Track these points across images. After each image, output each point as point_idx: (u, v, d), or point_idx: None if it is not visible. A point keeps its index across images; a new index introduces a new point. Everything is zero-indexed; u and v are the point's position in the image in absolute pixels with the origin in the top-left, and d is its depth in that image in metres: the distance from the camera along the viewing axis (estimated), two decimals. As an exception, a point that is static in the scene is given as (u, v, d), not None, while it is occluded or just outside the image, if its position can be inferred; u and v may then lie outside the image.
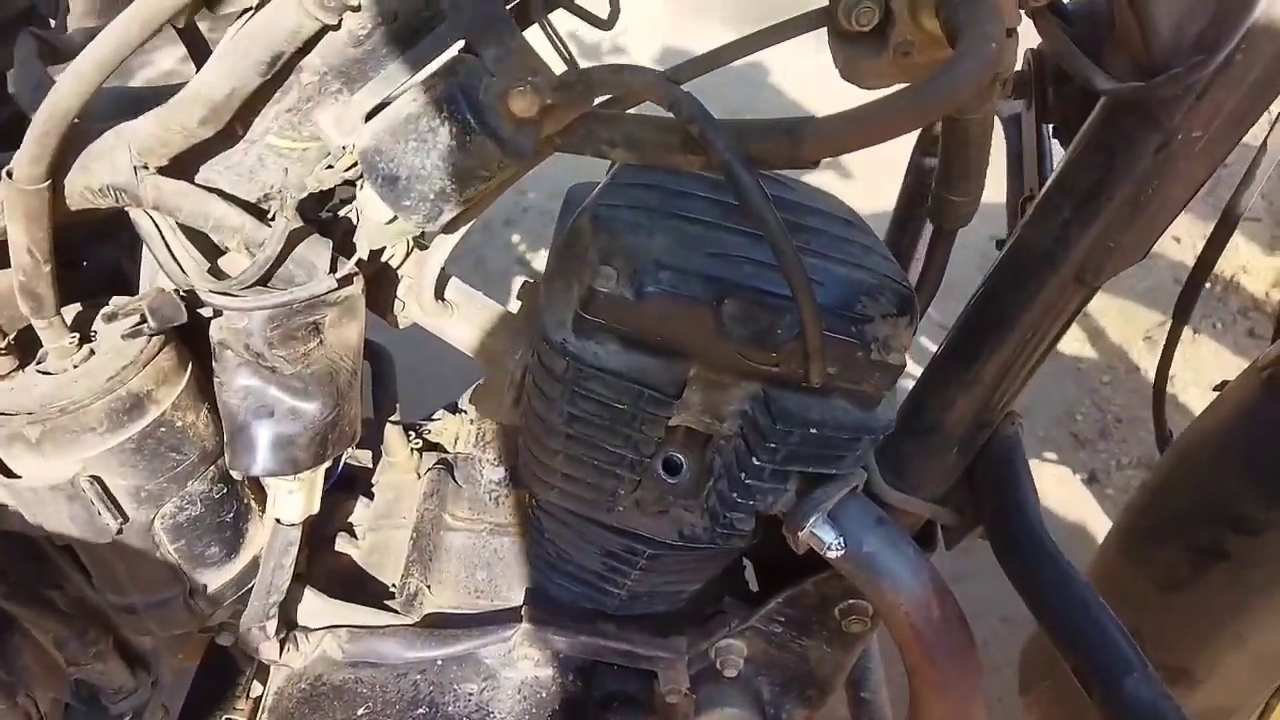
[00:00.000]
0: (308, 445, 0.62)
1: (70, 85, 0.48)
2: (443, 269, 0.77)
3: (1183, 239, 2.10)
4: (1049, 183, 0.65)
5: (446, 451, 0.94)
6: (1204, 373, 1.93)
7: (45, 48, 0.57)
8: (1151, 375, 0.95)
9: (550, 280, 0.69)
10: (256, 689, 0.83)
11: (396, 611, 0.80)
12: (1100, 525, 1.70)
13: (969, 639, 0.72)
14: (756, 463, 0.68)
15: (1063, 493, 1.75)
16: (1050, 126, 0.75)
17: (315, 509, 0.69)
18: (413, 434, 0.93)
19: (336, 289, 0.60)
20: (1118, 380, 1.94)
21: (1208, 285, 2.15)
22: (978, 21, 0.50)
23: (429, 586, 0.82)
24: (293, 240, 0.58)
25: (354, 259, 0.60)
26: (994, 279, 0.71)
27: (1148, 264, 2.24)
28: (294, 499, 0.66)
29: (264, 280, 0.59)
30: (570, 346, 0.64)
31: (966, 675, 0.72)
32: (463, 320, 0.77)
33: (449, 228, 0.67)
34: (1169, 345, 0.96)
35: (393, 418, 0.90)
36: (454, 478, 0.90)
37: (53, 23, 0.62)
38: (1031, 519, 0.72)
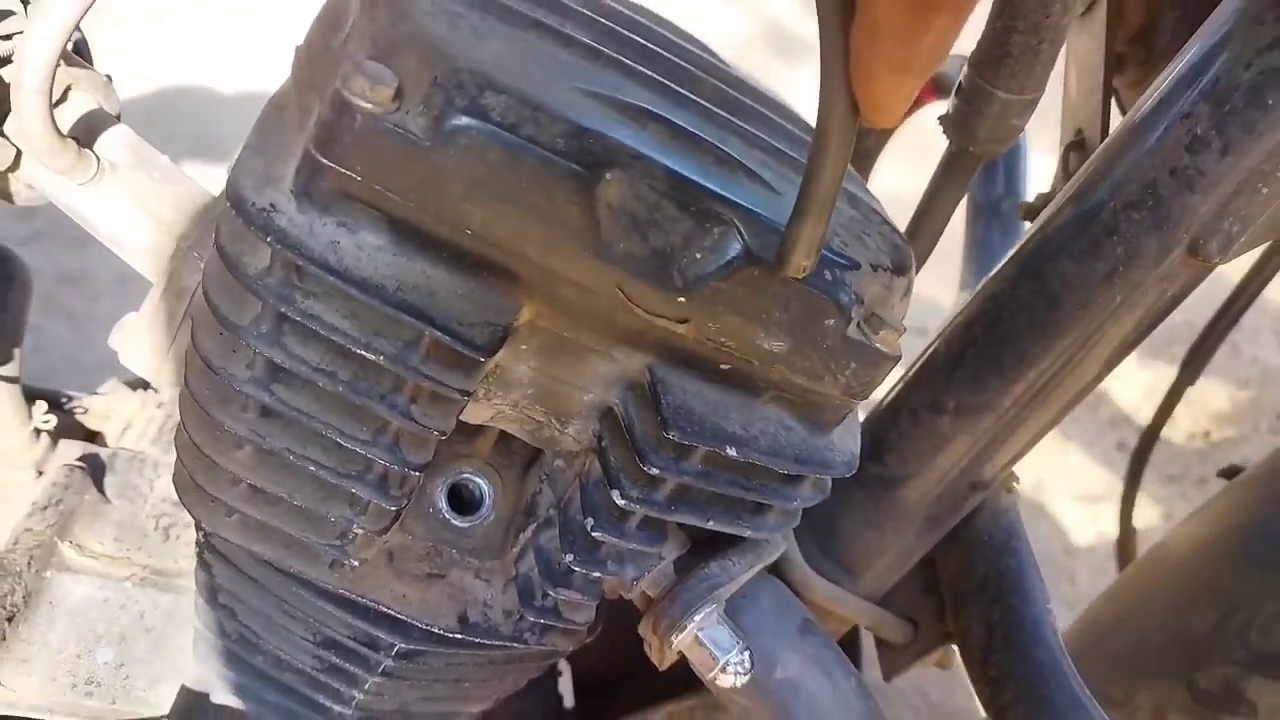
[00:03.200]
0: None
1: None
2: (102, 109, 0.43)
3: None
4: (1149, 103, 0.38)
5: (102, 444, 0.58)
6: (1071, 481, 1.79)
7: None
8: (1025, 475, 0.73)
9: (277, 108, 0.36)
10: None
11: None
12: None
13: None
14: (619, 501, 0.36)
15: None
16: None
17: None
18: (44, 406, 0.56)
19: None
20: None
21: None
22: None
23: (-8, 669, 0.45)
24: None
25: None
26: (1028, 251, 0.44)
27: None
28: None
29: None
30: (282, 222, 0.32)
31: None
32: (121, 192, 0.43)
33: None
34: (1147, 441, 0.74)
35: (5, 370, 0.53)
36: (100, 485, 0.54)
37: None
38: (1048, 639, 0.44)
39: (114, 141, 0.44)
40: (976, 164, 0.44)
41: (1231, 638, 0.58)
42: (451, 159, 0.31)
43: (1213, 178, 0.37)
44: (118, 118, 0.46)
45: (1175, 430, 1.89)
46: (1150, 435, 0.74)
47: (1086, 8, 0.48)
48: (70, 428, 0.59)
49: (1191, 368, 0.70)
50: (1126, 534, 0.75)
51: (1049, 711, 0.42)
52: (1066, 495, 1.75)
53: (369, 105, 0.30)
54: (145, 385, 0.63)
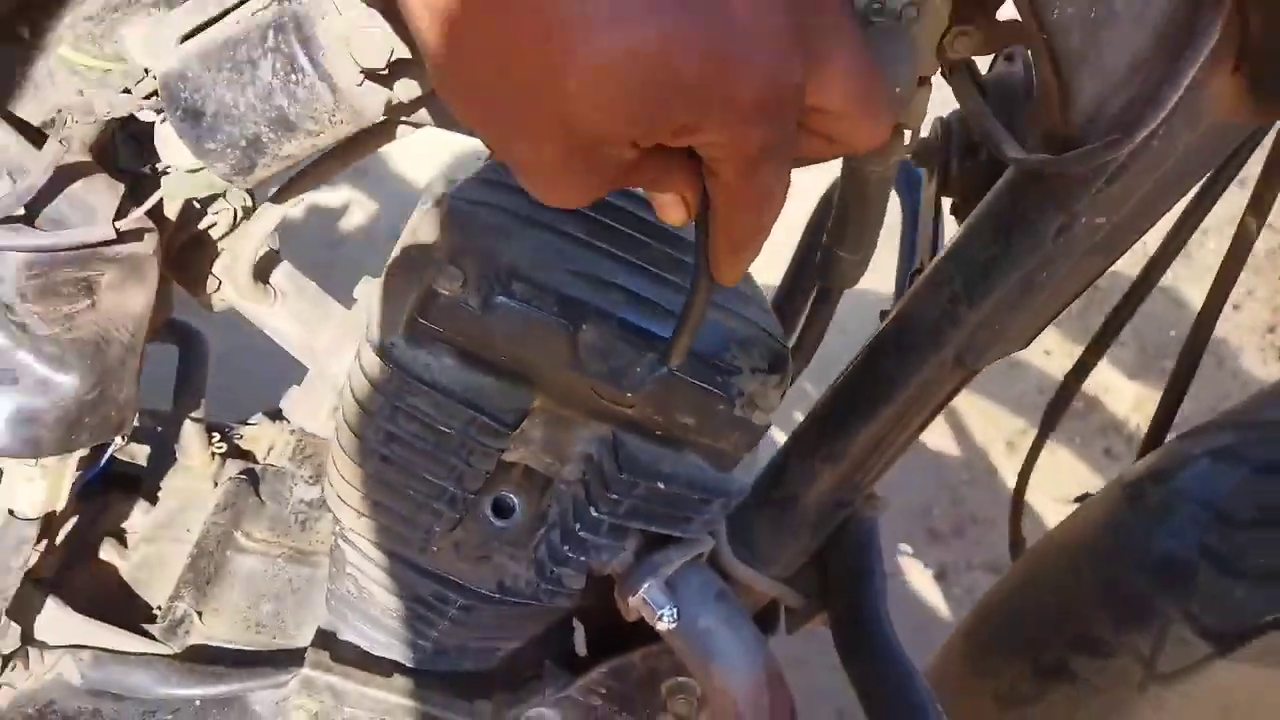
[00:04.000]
0: (55, 425, 0.51)
1: None
2: (273, 250, 0.68)
3: (1053, 352, 2.16)
4: (940, 255, 0.61)
5: (255, 461, 0.83)
6: (1060, 485, 1.96)
7: None
8: (1009, 479, 0.95)
9: (390, 276, 0.60)
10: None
11: (156, 638, 0.68)
12: (943, 622, 1.68)
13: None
14: (595, 514, 0.60)
15: (910, 586, 1.74)
16: (950, 202, 0.71)
17: (59, 504, 0.57)
18: (216, 436, 0.81)
19: (119, 242, 0.49)
20: (976, 480, 1.95)
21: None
22: (892, 57, 0.45)
23: (200, 614, 0.71)
24: (70, 175, 0.48)
25: (144, 208, 0.50)
26: (873, 350, 0.66)
27: (1015, 371, 2.30)
28: (32, 488, 0.54)
29: (29, 219, 0.48)
30: (398, 353, 0.56)
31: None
32: (287, 311, 0.67)
33: (277, 197, 0.58)
34: (1033, 453, 0.95)
35: (194, 413, 0.78)
36: (257, 491, 0.79)
37: None
38: (880, 615, 0.66)
39: (281, 275, 0.68)
40: (838, 296, 0.66)
41: (1066, 624, 0.80)
42: (494, 320, 0.54)
43: (965, 319, 0.59)
44: (277, 253, 0.71)
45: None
46: (1034, 454, 0.94)
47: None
48: (233, 450, 0.84)
49: (1048, 422, 0.91)
50: (1016, 534, 0.96)
51: (862, 642, 0.65)
52: (1052, 496, 1.94)
53: (446, 292, 0.54)
54: (282, 417, 0.87)
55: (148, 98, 0.46)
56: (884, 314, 0.67)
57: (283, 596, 0.75)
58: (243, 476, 0.80)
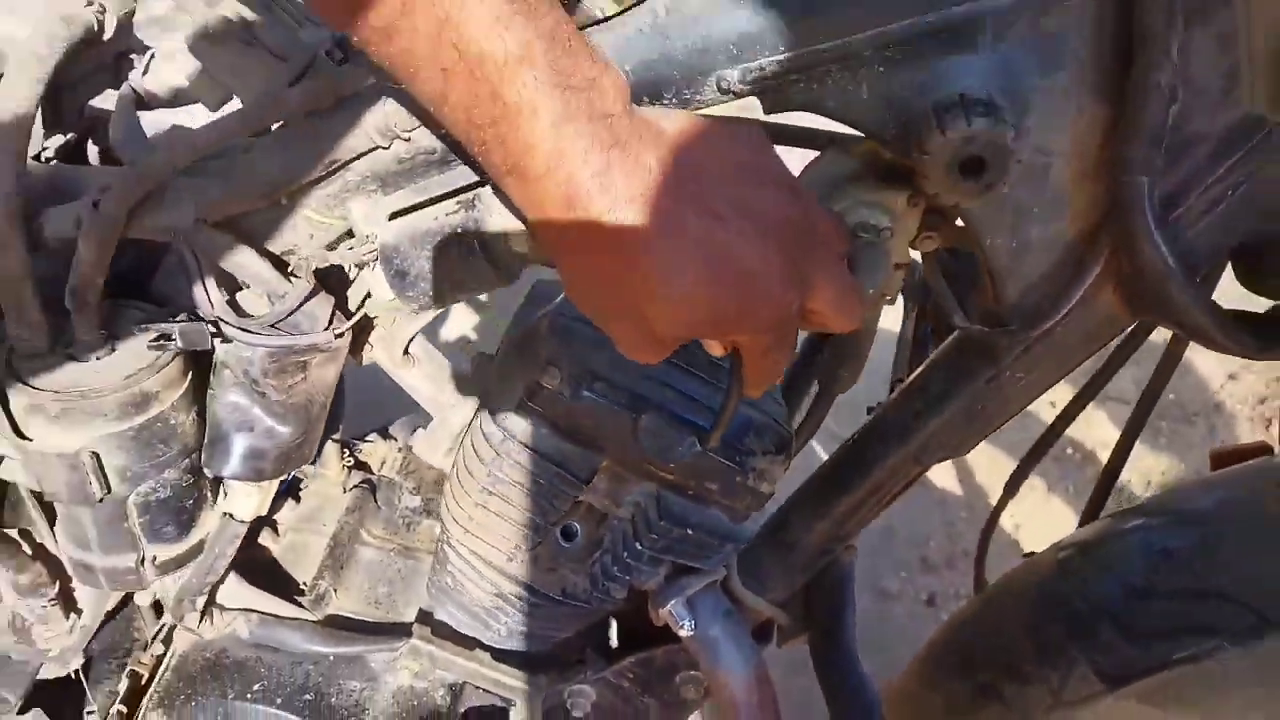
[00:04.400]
0: (275, 460, 0.74)
1: (180, 155, 0.60)
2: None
3: (1057, 403, 2.34)
4: (911, 378, 0.81)
5: (372, 472, 1.06)
6: (1053, 530, 2.13)
7: (138, 97, 0.69)
8: (1005, 520, 1.13)
9: (503, 363, 0.82)
10: (158, 648, 0.93)
11: (303, 607, 0.91)
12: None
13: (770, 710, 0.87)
14: (639, 547, 0.82)
15: (902, 610, 1.94)
16: (929, 326, 0.92)
17: (264, 512, 0.80)
18: (346, 451, 1.04)
19: (332, 341, 0.72)
20: (974, 518, 2.14)
21: (1070, 451, 2.42)
22: (872, 266, 0.66)
23: (336, 590, 0.94)
24: (305, 295, 0.70)
25: (352, 322, 0.72)
26: (862, 436, 0.87)
27: (1025, 421, 2.49)
28: (250, 501, 0.77)
29: (275, 323, 0.71)
30: (508, 423, 0.78)
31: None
32: (421, 374, 0.90)
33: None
34: (998, 507, 1.15)
35: (334, 435, 1.01)
36: (375, 498, 1.02)
37: (135, 59, 0.73)
38: (847, 636, 0.88)
39: (416, 345, 0.91)
40: (833, 398, 0.87)
41: (999, 654, 1.00)
42: (580, 407, 0.76)
43: (923, 429, 0.79)
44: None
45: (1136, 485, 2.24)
46: (999, 508, 1.14)
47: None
48: (356, 463, 1.07)
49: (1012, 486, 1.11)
50: (979, 574, 1.16)
51: (831, 656, 0.86)
52: (1044, 542, 2.12)
53: (548, 386, 0.75)
54: (390, 436, 1.10)
55: (367, 254, 0.68)
56: (870, 409, 0.88)
57: (394, 582, 0.97)
58: (365, 485, 1.03)
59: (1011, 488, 1.10)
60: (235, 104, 0.72)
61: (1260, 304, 0.72)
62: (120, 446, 0.69)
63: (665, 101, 0.61)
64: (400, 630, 0.93)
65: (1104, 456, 2.39)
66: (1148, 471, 2.34)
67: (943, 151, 0.58)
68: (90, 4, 0.65)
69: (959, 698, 1.02)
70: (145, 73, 0.72)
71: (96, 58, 0.70)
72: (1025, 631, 0.98)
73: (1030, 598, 1.00)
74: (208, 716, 0.85)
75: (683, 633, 0.84)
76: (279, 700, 0.86)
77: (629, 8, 0.60)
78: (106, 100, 0.74)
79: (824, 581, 0.92)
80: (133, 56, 0.72)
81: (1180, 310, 0.65)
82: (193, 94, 0.69)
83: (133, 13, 0.71)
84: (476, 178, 0.66)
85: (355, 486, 1.03)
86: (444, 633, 0.94)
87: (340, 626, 0.91)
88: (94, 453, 0.68)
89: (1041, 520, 2.18)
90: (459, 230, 0.65)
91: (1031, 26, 0.59)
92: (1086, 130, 0.63)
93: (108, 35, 0.68)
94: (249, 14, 0.66)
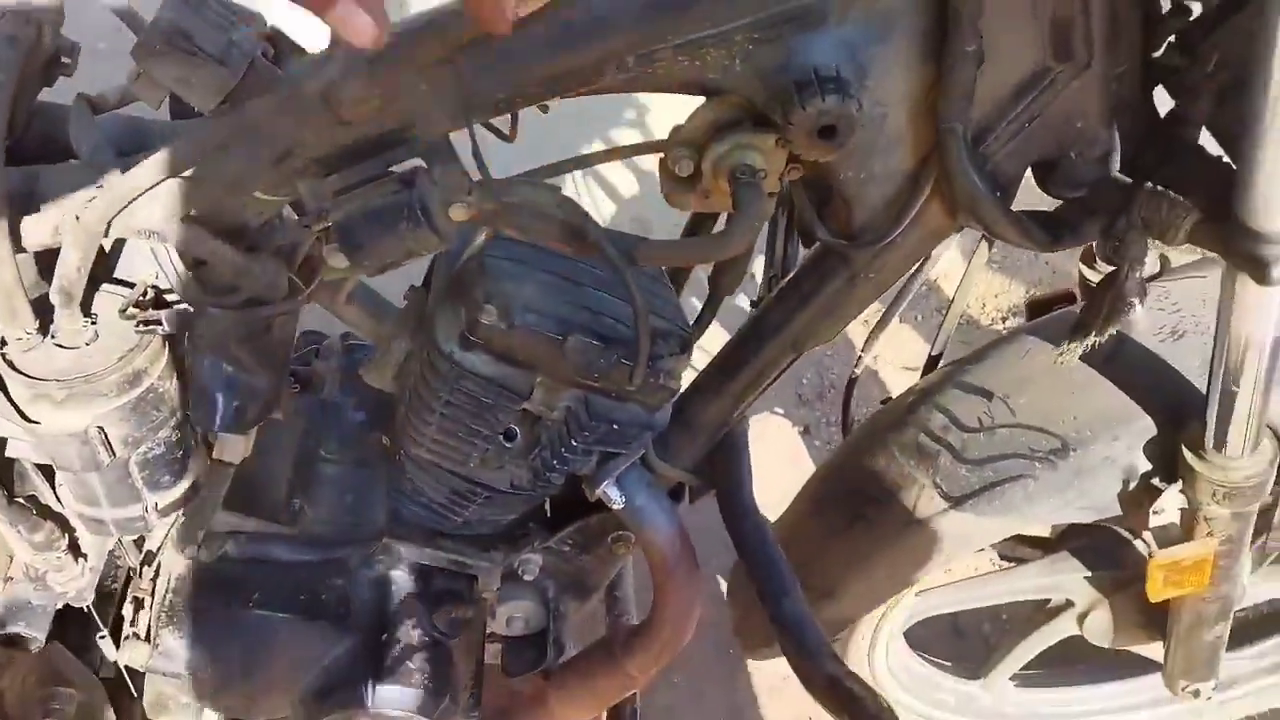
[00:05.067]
0: (256, 409, 0.85)
1: (158, 168, 0.68)
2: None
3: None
4: (786, 280, 0.98)
5: (316, 394, 1.17)
6: (901, 353, 2.40)
7: (90, 105, 0.75)
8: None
9: (440, 300, 0.94)
10: (149, 574, 1.05)
11: (282, 523, 1.04)
12: (807, 468, 2.16)
13: (694, 562, 1.07)
14: (574, 443, 0.97)
15: (782, 440, 2.20)
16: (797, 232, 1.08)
17: (249, 453, 0.91)
18: (292, 379, 1.15)
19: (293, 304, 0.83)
20: (838, 354, 2.40)
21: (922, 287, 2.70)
22: (751, 202, 0.81)
23: (307, 506, 1.07)
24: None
25: (309, 290, 0.82)
26: (746, 328, 1.04)
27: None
28: (238, 447, 0.88)
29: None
30: (455, 356, 0.91)
31: (693, 584, 1.07)
32: (360, 311, 1.01)
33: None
34: (865, 349, 1.35)
35: (278, 367, 1.11)
36: (324, 418, 1.14)
37: (65, 60, 0.78)
38: (746, 488, 1.07)
39: (353, 283, 1.01)
40: (720, 300, 1.03)
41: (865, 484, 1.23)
42: (515, 335, 0.89)
43: (796, 322, 0.97)
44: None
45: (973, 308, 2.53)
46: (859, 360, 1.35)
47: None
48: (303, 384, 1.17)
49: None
50: (845, 419, 1.39)
51: (733, 505, 1.06)
52: (895, 365, 2.40)
53: (487, 321, 0.88)
54: (325, 359, 1.20)
55: (320, 229, 0.78)
56: (754, 304, 1.04)
57: (356, 490, 1.11)
58: (313, 407, 1.14)
59: (870, 342, 1.30)
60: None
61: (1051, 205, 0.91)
62: (122, 419, 0.79)
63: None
64: (369, 531, 1.07)
65: (943, 285, 2.66)
66: (983, 295, 2.63)
67: (804, 121, 0.72)
68: (29, 23, 0.70)
69: (835, 522, 1.26)
70: (74, 71, 0.77)
71: (33, 62, 0.74)
72: (884, 464, 1.20)
73: (885, 437, 1.22)
74: (215, 627, 0.98)
75: (615, 507, 1.02)
76: (276, 604, 1.00)
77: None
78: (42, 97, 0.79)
79: (724, 447, 1.11)
80: (64, 59, 0.77)
81: (989, 220, 0.83)
82: (136, 95, 0.75)
83: (61, 13, 0.76)
84: (413, 158, 0.76)
85: (303, 412, 1.14)
86: (409, 529, 1.09)
87: (319, 536, 1.05)
88: (99, 427, 0.77)
89: (894, 345, 2.45)
90: (405, 207, 0.75)
91: (868, 6, 0.73)
92: (916, 86, 0.78)
93: (45, 44, 0.73)
94: (184, 22, 0.72)
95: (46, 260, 0.75)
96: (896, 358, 2.45)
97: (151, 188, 0.70)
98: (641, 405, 0.98)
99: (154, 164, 0.69)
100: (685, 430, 1.10)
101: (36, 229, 0.72)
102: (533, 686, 1.21)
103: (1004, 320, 2.58)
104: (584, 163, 0.91)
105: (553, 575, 1.21)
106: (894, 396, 1.31)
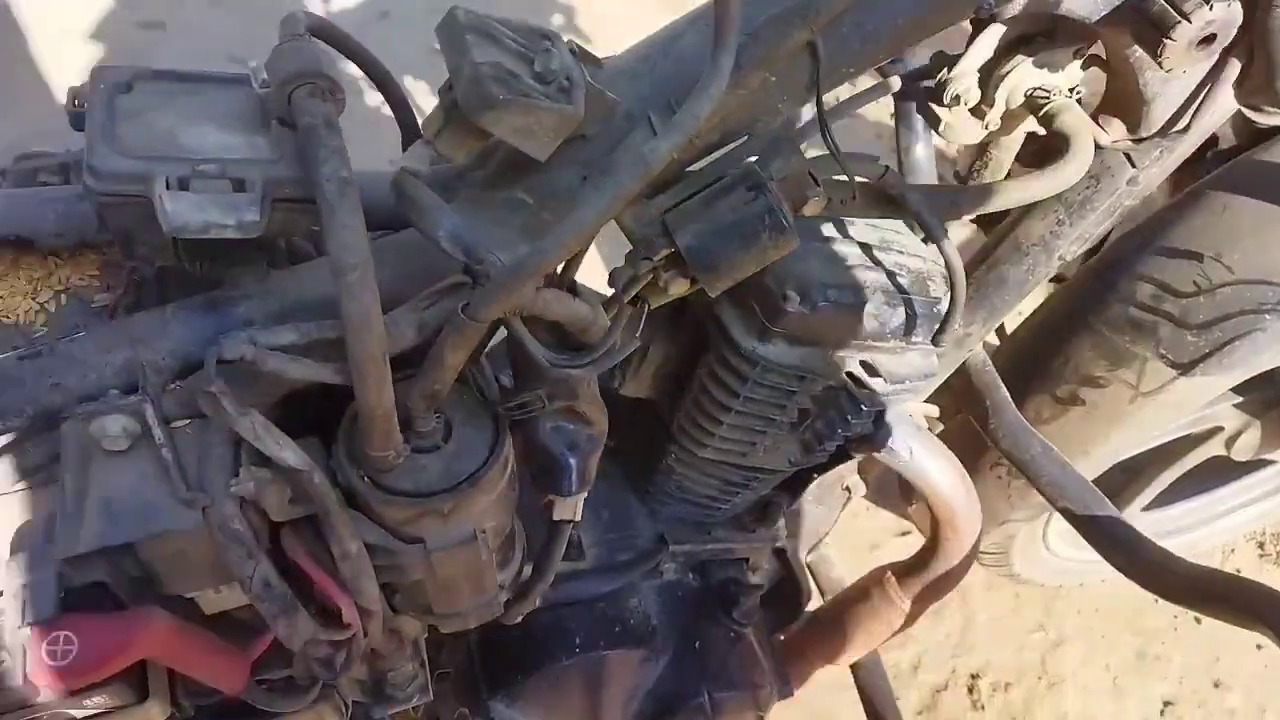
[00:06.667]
0: (596, 457, 0.79)
1: (544, 262, 0.60)
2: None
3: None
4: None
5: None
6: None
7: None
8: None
9: (722, 304, 0.87)
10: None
11: (573, 559, 0.99)
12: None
13: (975, 501, 1.06)
14: (862, 406, 0.94)
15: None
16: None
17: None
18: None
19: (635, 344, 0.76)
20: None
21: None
22: (1079, 129, 0.77)
23: (580, 534, 1.02)
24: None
25: (643, 320, 0.75)
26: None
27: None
28: (577, 504, 0.82)
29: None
30: (758, 351, 0.85)
31: (972, 523, 1.07)
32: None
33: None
34: None
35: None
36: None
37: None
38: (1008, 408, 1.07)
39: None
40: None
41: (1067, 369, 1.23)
42: (817, 315, 0.84)
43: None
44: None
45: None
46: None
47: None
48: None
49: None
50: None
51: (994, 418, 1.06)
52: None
53: (790, 309, 0.83)
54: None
55: (662, 261, 0.71)
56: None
57: (611, 506, 1.06)
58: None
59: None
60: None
61: None
62: (500, 509, 0.72)
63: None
64: (647, 542, 1.03)
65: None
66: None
67: (1186, 33, 0.68)
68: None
69: (1044, 409, 1.27)
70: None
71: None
72: (1090, 345, 1.21)
73: (1084, 319, 1.22)
74: (547, 681, 0.94)
75: (899, 464, 1.00)
76: (597, 642, 0.96)
77: None
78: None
79: (964, 373, 1.10)
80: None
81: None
82: (442, 154, 0.66)
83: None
84: (749, 156, 0.70)
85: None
86: (684, 530, 1.05)
87: (603, 563, 1.00)
88: (482, 529, 0.71)
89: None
90: (767, 214, 0.69)
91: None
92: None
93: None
94: (506, 62, 0.63)
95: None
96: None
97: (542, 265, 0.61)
98: (920, 353, 0.95)
99: (543, 257, 0.60)
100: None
101: (401, 325, 0.63)
102: (798, 636, 1.21)
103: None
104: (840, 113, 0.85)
105: (796, 522, 1.20)
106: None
